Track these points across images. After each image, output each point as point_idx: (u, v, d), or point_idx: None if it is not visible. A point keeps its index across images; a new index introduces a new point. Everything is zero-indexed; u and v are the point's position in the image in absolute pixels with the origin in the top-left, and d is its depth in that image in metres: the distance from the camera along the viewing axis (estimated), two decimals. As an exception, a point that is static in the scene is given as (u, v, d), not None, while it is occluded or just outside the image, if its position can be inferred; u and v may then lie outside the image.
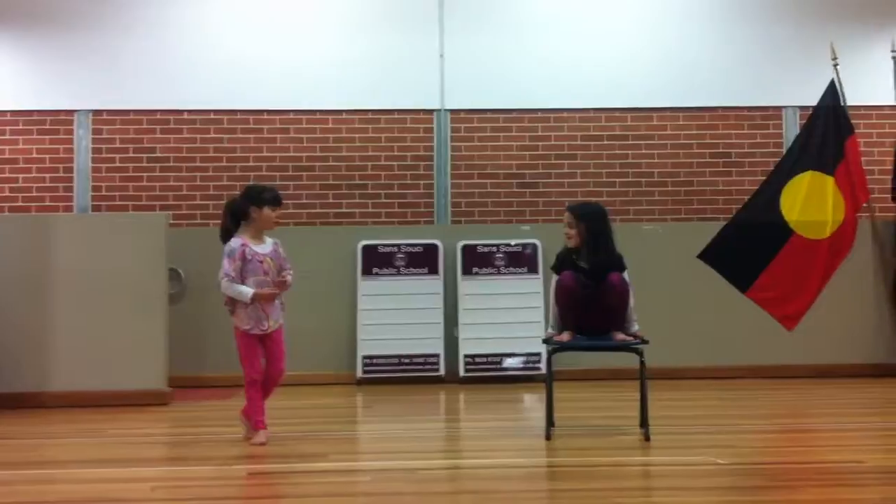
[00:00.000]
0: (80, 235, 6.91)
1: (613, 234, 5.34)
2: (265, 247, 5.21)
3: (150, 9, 8.64)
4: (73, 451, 5.04)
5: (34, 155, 8.54)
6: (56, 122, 8.56)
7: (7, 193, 8.39)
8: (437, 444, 5.41)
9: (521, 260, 8.13)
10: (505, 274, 8.10)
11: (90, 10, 8.58)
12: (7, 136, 8.43)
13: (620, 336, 5.20)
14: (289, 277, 5.20)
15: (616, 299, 5.18)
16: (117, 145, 8.61)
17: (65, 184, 8.54)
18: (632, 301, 5.28)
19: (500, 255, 8.14)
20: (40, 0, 8.55)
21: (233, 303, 5.11)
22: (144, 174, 8.60)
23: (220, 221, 5.31)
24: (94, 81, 8.56)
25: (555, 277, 5.35)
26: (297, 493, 3.80)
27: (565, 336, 5.23)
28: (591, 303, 5.19)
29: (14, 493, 3.92)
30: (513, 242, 8.19)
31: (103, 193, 8.54)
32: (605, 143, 8.77)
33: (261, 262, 5.14)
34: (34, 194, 8.52)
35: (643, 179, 8.74)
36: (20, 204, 8.41)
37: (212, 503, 3.63)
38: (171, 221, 7.62)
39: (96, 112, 8.59)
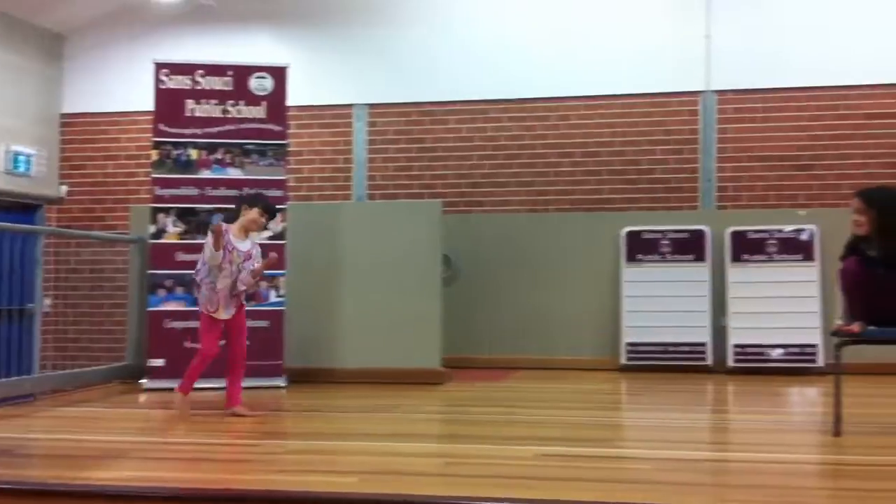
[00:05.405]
0: (363, 222, 7.37)
1: (911, 221, 4.96)
2: (243, 244, 5.51)
3: (419, 4, 9.04)
4: (367, 425, 5.40)
5: (316, 147, 9.20)
6: (336, 116, 9.17)
7: (293, 184, 9.06)
8: (718, 435, 5.32)
9: (796, 247, 7.79)
10: (777, 261, 7.79)
11: (363, 9, 9.10)
12: (293, 130, 9.10)
13: (921, 328, 4.83)
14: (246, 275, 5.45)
15: (911, 287, 4.82)
16: (390, 136, 9.09)
17: (344, 174, 9.14)
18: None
19: (773, 242, 7.83)
20: (315, 1, 9.18)
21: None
22: (414, 164, 9.02)
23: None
24: (369, 76, 9.08)
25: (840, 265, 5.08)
26: (590, 476, 3.87)
27: (855, 327, 4.94)
28: (883, 289, 4.86)
29: (334, 463, 4.26)
30: (786, 228, 7.85)
31: (377, 182, 9.06)
32: (890, 121, 8.20)
33: (230, 251, 5.41)
34: (315, 184, 9.18)
35: (932, 160, 8.10)
36: (304, 193, 9.09)
37: (507, 481, 3.76)
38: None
39: (372, 105, 9.11)
